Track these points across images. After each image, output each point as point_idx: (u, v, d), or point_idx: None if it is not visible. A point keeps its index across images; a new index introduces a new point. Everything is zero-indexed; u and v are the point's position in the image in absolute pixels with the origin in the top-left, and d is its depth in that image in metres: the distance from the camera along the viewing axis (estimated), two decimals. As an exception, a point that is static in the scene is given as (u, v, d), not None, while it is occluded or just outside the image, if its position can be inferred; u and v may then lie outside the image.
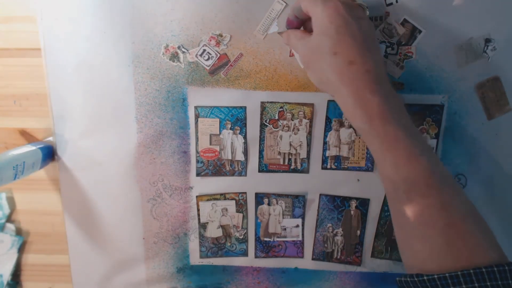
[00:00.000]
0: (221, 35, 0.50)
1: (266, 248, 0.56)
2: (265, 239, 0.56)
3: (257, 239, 0.56)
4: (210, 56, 0.50)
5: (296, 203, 0.54)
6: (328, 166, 0.53)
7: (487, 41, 0.49)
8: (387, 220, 0.54)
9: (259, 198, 0.54)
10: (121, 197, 0.54)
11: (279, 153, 0.53)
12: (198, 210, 0.55)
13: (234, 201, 0.55)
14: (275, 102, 0.52)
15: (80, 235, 0.55)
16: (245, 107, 0.52)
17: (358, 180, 0.53)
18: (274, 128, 0.53)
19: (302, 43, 0.43)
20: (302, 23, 0.46)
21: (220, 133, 0.53)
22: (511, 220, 0.53)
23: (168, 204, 0.55)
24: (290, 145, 0.53)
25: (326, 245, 0.55)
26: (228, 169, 0.54)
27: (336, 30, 0.39)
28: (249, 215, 0.55)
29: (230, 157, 0.53)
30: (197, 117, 0.52)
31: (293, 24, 0.46)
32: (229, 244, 0.56)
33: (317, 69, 0.41)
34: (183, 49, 0.50)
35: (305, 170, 0.53)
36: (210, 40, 0.50)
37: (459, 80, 0.50)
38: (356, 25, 0.39)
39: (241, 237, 0.56)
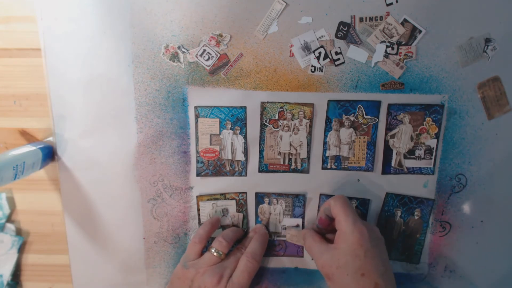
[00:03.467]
0: (221, 35, 0.50)
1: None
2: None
3: (257, 239, 0.56)
4: (210, 56, 0.50)
5: (296, 203, 0.54)
6: (328, 166, 0.53)
7: (487, 41, 0.49)
8: (387, 220, 0.54)
9: (260, 197, 0.55)
10: (121, 197, 0.54)
11: (279, 153, 0.53)
12: (199, 210, 0.55)
13: (234, 201, 0.55)
14: (275, 102, 0.52)
15: (80, 235, 0.55)
16: (245, 107, 0.52)
17: (358, 180, 0.53)
18: (274, 128, 0.53)
19: (322, 248, 0.47)
20: (333, 220, 0.48)
21: (220, 133, 0.53)
22: (511, 220, 0.53)
23: (168, 204, 0.55)
24: (290, 145, 0.53)
25: (326, 245, 0.55)
26: (228, 169, 0.54)
27: (365, 253, 0.43)
28: (249, 215, 0.55)
29: (230, 157, 0.53)
30: (197, 117, 0.52)
31: (325, 223, 0.49)
32: (229, 244, 0.56)
33: (343, 284, 0.43)
34: (183, 49, 0.50)
35: (305, 170, 0.53)
36: (210, 40, 0.50)
37: (459, 80, 0.50)
38: (378, 249, 0.44)
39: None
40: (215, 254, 0.50)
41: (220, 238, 0.51)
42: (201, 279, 0.48)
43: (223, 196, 0.55)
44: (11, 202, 0.56)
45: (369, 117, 0.52)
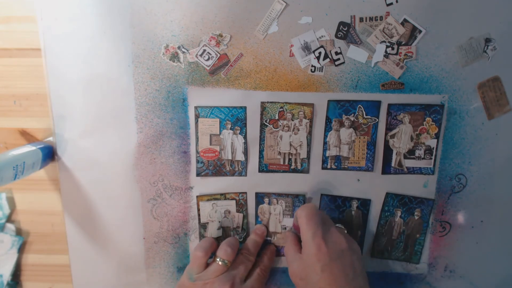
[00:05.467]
0: (221, 35, 0.50)
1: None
2: (266, 238, 0.56)
3: (257, 239, 0.56)
4: (210, 56, 0.50)
5: (296, 203, 0.54)
6: (328, 166, 0.53)
7: (487, 41, 0.49)
8: (387, 220, 0.54)
9: (259, 197, 0.55)
10: (121, 197, 0.54)
11: (279, 153, 0.53)
12: (199, 210, 0.55)
13: (234, 201, 0.55)
14: (275, 102, 0.52)
15: (80, 235, 0.55)
16: (245, 107, 0.52)
17: (358, 180, 0.53)
18: (274, 128, 0.53)
19: (293, 257, 0.47)
20: None
21: (220, 133, 0.53)
22: (511, 220, 0.53)
23: (168, 204, 0.55)
24: (290, 145, 0.53)
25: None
26: (228, 169, 0.54)
27: (321, 268, 0.43)
28: (249, 215, 0.55)
29: (230, 157, 0.53)
30: (197, 117, 0.52)
31: (299, 229, 0.49)
32: (229, 244, 0.56)
33: None
34: (183, 49, 0.50)
35: (305, 170, 0.53)
36: (210, 40, 0.50)
37: (459, 80, 0.50)
38: (339, 263, 0.43)
39: (241, 240, 0.56)
40: (220, 263, 0.49)
41: (225, 246, 0.50)
42: None
43: (223, 196, 0.55)
44: (11, 202, 0.56)
45: (369, 117, 0.52)
